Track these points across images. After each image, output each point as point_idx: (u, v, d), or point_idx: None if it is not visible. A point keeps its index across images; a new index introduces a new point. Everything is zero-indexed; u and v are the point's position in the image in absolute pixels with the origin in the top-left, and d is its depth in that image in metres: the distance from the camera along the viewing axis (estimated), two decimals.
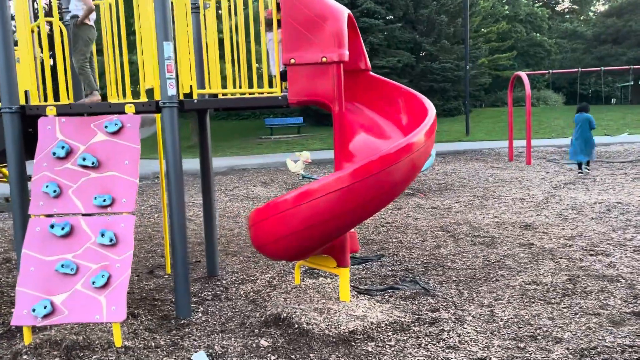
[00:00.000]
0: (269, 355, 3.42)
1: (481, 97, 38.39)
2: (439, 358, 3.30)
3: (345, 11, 4.04)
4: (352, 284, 4.66)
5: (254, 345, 3.58)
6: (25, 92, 4.62)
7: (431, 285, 4.72)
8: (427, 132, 3.88)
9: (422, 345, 3.49)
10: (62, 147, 3.87)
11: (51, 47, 5.03)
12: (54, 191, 3.77)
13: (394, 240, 6.47)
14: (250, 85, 5.01)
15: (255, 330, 3.83)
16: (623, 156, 14.69)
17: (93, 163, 3.84)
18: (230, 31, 4.58)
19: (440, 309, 4.13)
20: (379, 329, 3.72)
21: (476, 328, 3.74)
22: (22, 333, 3.58)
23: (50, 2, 4.68)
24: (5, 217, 8.92)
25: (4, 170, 8.58)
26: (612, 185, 9.89)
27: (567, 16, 54.77)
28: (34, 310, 3.44)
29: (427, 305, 4.22)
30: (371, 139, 4.44)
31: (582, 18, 53.61)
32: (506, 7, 40.97)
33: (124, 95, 4.68)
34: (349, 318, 3.81)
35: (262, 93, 4.77)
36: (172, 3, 4.20)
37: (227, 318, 4.13)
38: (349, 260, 4.18)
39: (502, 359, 3.26)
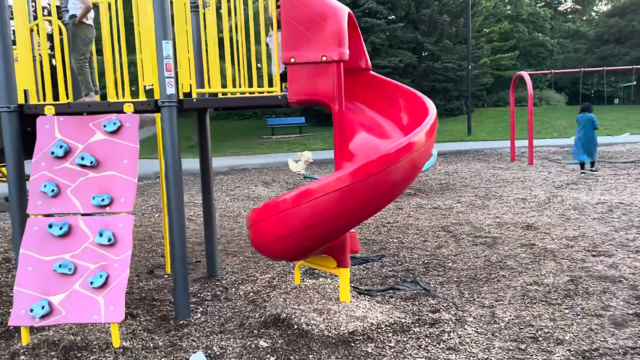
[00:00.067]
0: (268, 356, 3.39)
1: (483, 97, 38.36)
2: (440, 359, 3.28)
3: (345, 10, 4.02)
4: (352, 285, 4.64)
5: (253, 346, 3.55)
6: (25, 91, 4.60)
7: (432, 285, 4.69)
8: (427, 132, 3.85)
9: (423, 346, 3.46)
10: (61, 147, 3.85)
11: (52, 47, 5.02)
12: (52, 191, 3.75)
13: (395, 240, 6.44)
14: (250, 85, 4.99)
15: (255, 331, 3.81)
16: (626, 156, 14.63)
17: (91, 162, 3.82)
18: (230, 30, 4.56)
19: (441, 310, 4.10)
20: (379, 330, 3.69)
21: (477, 329, 3.71)
22: (20, 333, 3.56)
23: (50, 2, 4.67)
24: (5, 217, 8.92)
25: (3, 169, 8.58)
26: (614, 186, 9.84)
27: (570, 16, 54.71)
28: (31, 310, 3.42)
29: (427, 306, 4.19)
30: (371, 138, 4.41)
31: (584, 18, 53.55)
32: (508, 7, 40.88)
33: (124, 95, 4.66)
34: (348, 319, 3.78)
35: (262, 92, 4.75)
36: (171, 2, 4.17)
37: (226, 318, 4.11)
38: (349, 261, 4.16)
39: None
